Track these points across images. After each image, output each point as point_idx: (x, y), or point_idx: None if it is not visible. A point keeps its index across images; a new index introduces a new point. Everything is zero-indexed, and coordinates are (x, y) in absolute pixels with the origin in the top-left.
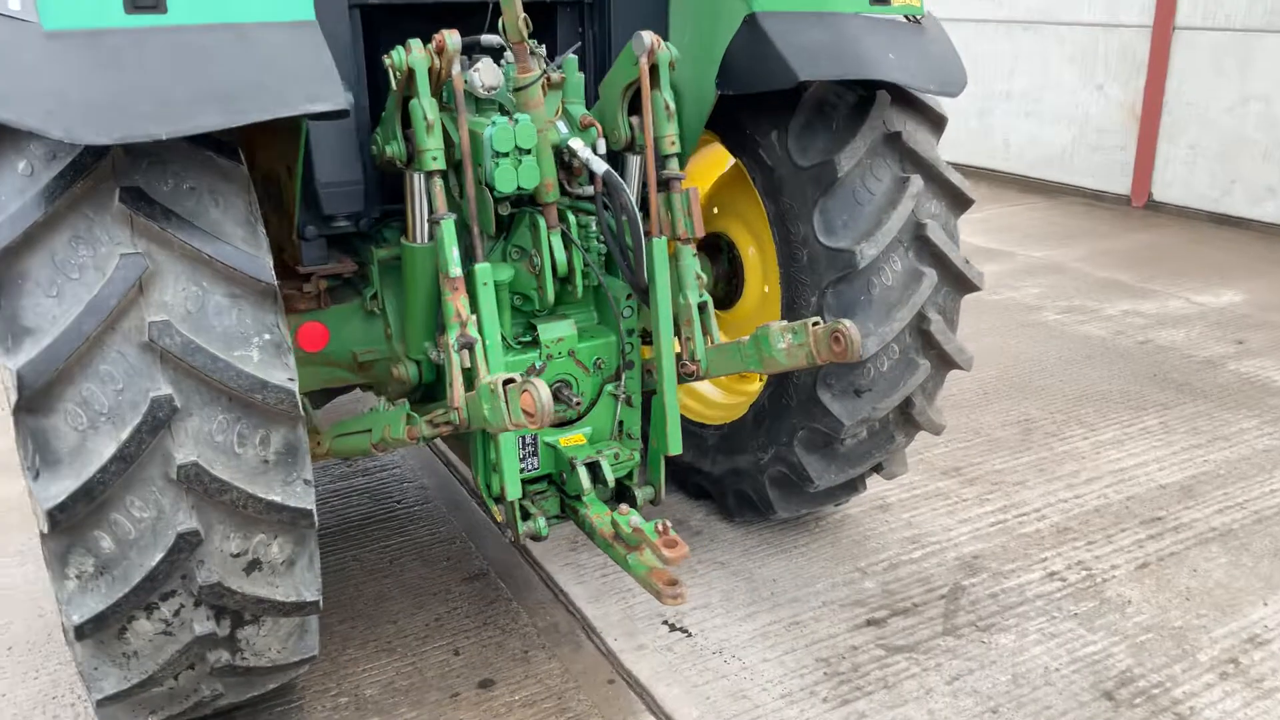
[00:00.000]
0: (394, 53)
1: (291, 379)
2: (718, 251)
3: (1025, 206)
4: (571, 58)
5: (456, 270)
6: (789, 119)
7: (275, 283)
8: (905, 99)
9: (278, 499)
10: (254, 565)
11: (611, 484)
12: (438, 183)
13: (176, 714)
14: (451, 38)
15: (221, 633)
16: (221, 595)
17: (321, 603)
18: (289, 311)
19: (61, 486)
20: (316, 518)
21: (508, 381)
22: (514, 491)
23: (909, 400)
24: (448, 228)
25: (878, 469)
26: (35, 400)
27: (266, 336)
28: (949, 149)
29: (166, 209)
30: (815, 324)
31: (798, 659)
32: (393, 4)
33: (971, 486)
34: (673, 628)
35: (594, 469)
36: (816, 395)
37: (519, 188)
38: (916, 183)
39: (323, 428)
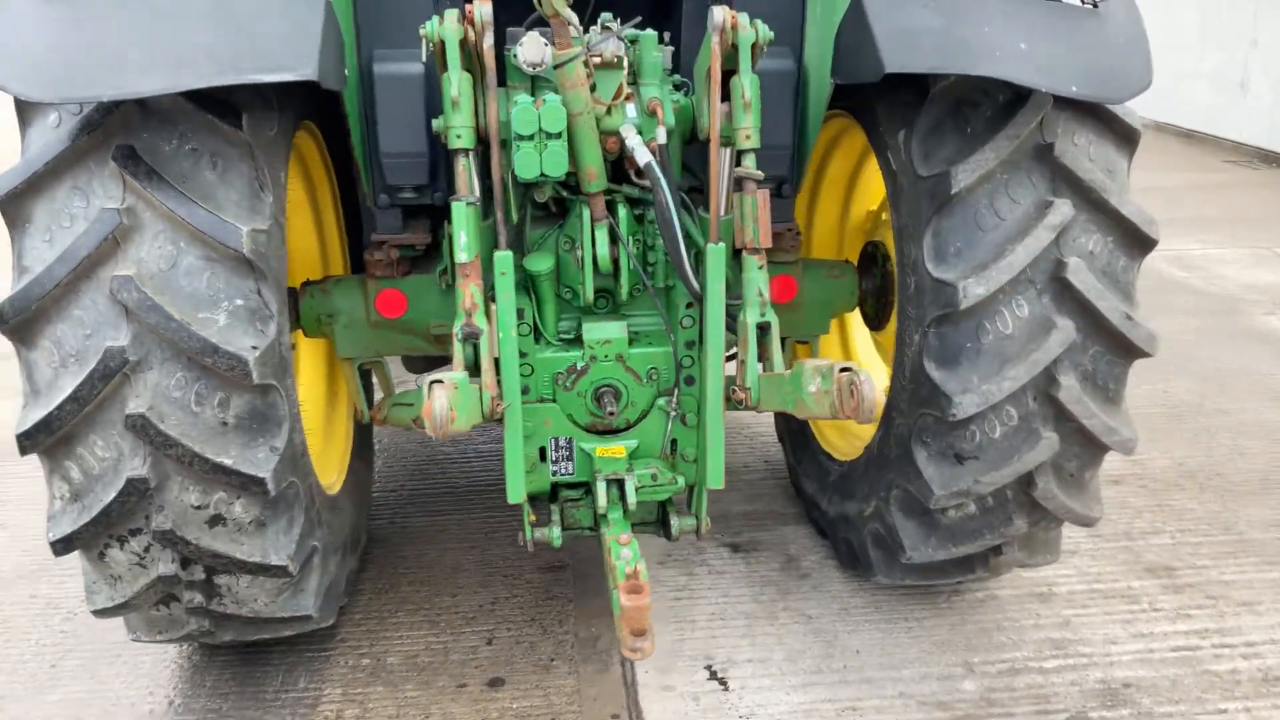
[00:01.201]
0: (428, 24)
1: (255, 347)
2: (873, 264)
3: None
4: (650, 33)
5: (463, 256)
6: (917, 118)
7: (244, 250)
8: (1080, 104)
9: (228, 462)
10: (217, 520)
11: (634, 505)
12: (461, 161)
13: (178, 638)
14: (482, 9)
15: (190, 577)
16: (175, 542)
17: (292, 568)
18: (370, 276)
19: (31, 416)
20: (273, 485)
21: (434, 382)
22: (514, 495)
23: (1029, 479)
24: (457, 210)
25: (996, 552)
26: (16, 333)
27: (239, 302)
28: None
29: (151, 168)
30: (843, 370)
31: None
32: None
33: (1176, 595)
34: (713, 675)
35: (621, 486)
36: (911, 450)
37: (542, 174)
38: (1062, 210)
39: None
